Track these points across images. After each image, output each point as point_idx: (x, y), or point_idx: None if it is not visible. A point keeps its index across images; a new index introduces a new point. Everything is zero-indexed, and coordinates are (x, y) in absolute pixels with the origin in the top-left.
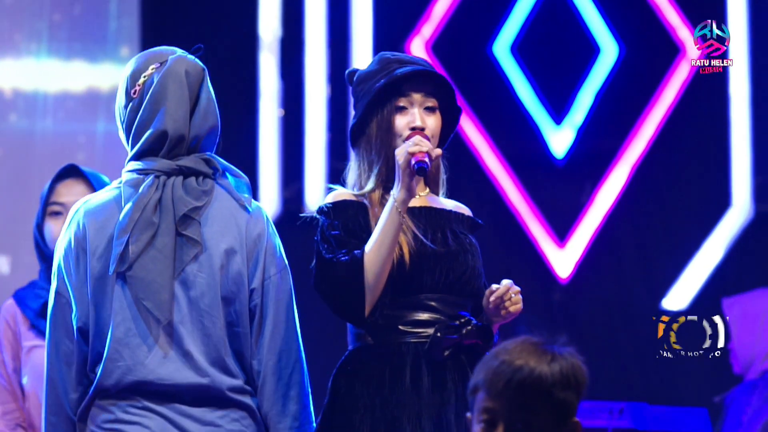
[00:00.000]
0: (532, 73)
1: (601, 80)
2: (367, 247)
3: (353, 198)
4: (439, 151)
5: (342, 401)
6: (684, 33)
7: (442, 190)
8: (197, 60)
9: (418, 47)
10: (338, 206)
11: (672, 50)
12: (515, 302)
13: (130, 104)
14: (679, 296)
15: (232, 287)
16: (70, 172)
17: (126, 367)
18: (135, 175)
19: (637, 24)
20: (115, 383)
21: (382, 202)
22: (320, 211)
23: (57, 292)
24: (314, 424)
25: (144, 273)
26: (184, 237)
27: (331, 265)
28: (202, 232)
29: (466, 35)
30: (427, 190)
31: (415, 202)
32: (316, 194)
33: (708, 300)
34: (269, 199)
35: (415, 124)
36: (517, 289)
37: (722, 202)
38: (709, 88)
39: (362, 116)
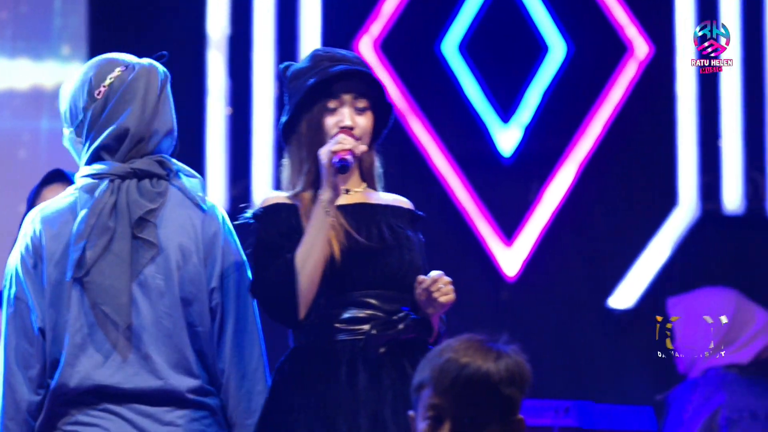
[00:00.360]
0: (480, 72)
1: (549, 79)
2: (298, 250)
3: (285, 201)
4: (363, 147)
5: (278, 401)
6: (632, 31)
7: (379, 185)
8: (161, 66)
9: (366, 46)
10: (270, 210)
11: (620, 49)
12: (445, 293)
13: (93, 104)
14: (625, 295)
15: (190, 288)
16: (56, 176)
17: (85, 373)
18: (90, 180)
19: (585, 23)
20: (74, 388)
21: (314, 203)
22: (253, 216)
23: (16, 297)
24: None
25: (101, 278)
26: (140, 240)
27: (265, 269)
28: (157, 233)
29: (414, 34)
30: (364, 185)
31: (350, 199)
32: (263, 192)
33: (654, 298)
34: (217, 198)
35: (344, 123)
36: (447, 279)
37: (669, 200)
38: (656, 87)
39: (293, 115)
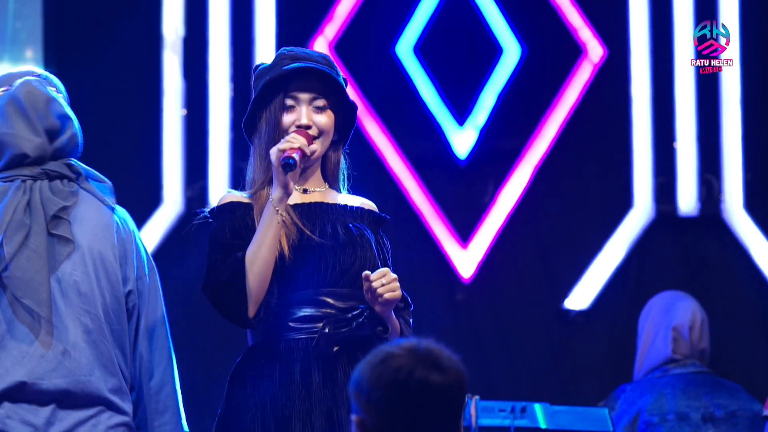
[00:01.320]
0: (435, 74)
1: (504, 81)
2: (248, 249)
3: (241, 200)
4: (315, 146)
5: (234, 402)
6: (586, 34)
7: (343, 186)
8: (49, 76)
9: (321, 47)
10: (225, 209)
11: (574, 51)
12: (390, 289)
13: None
14: (581, 296)
15: (107, 286)
16: None
17: (4, 370)
18: (2, 184)
19: (540, 25)
20: None
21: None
22: (210, 213)
23: None
24: (184, 423)
25: (21, 272)
26: (56, 237)
27: (216, 268)
28: (72, 231)
29: (369, 35)
30: (326, 185)
31: (306, 198)
32: (219, 193)
33: (610, 300)
34: (172, 199)
35: (300, 122)
36: (393, 276)
37: (624, 202)
38: (611, 89)
39: (251, 112)
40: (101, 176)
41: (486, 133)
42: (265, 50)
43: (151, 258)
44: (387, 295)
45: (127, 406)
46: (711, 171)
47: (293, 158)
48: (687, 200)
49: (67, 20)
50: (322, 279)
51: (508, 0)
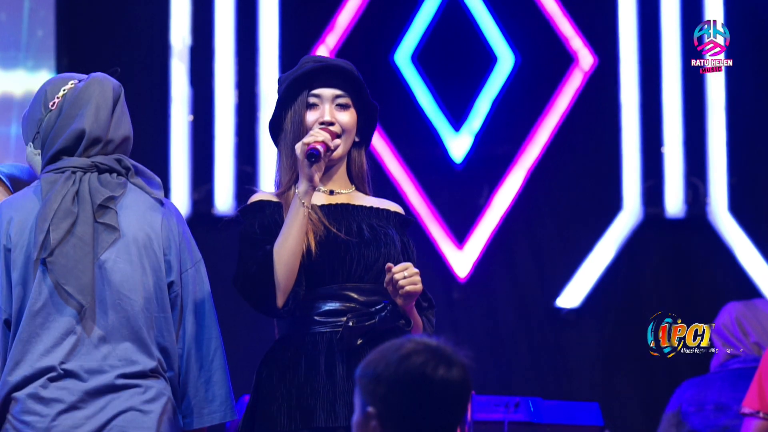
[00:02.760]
0: (432, 81)
1: (498, 88)
2: (276, 242)
3: (271, 199)
4: (338, 141)
5: (263, 392)
6: (577, 43)
7: (369, 188)
8: (114, 79)
9: (322, 55)
10: (254, 207)
11: (566, 59)
12: (411, 282)
13: (48, 115)
14: (572, 295)
15: (151, 274)
16: None
17: (44, 350)
18: (52, 174)
19: (532, 34)
20: (29, 366)
21: None
22: (240, 212)
23: None
24: (233, 411)
25: (65, 260)
26: (102, 224)
27: (245, 260)
28: (118, 220)
29: (368, 44)
30: (353, 188)
31: (333, 200)
32: (224, 196)
33: (600, 298)
34: (180, 201)
35: (324, 119)
36: (415, 270)
37: (613, 205)
38: (601, 96)
39: (276, 114)
40: (151, 172)
41: (481, 139)
42: (268, 59)
43: (198, 252)
44: (408, 288)
45: (166, 390)
46: (697, 175)
47: (317, 149)
48: (674, 203)
49: (80, 30)
50: (347, 274)
51: (502, 10)
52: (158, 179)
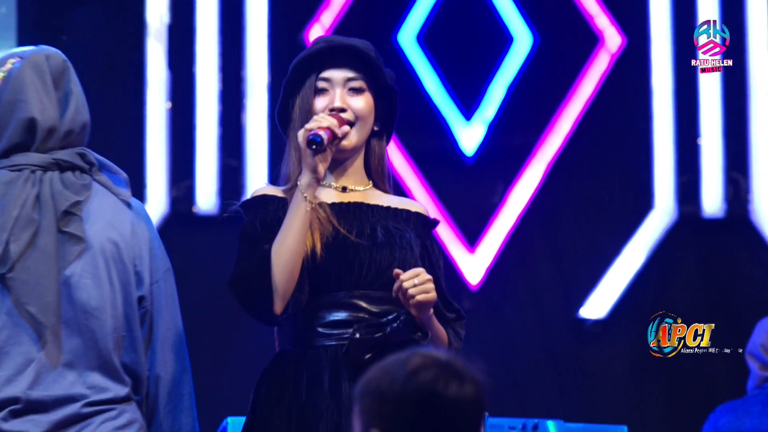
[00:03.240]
0: (440, 65)
1: (514, 72)
2: (275, 240)
3: (276, 193)
4: (346, 128)
5: (260, 412)
6: (603, 21)
7: (390, 186)
8: (59, 52)
9: (317, 35)
10: (257, 201)
11: (590, 40)
12: (423, 290)
13: None
14: (597, 304)
15: (119, 289)
16: None
17: (5, 378)
18: (8, 173)
19: (553, 11)
20: None
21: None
22: (242, 206)
23: None
24: None
25: (26, 275)
26: (66, 234)
27: (243, 261)
28: (84, 228)
29: (369, 23)
30: (369, 183)
31: (346, 197)
32: (206, 193)
33: (628, 308)
34: (156, 199)
35: (334, 105)
36: (427, 276)
37: (644, 203)
38: (630, 81)
39: (284, 101)
40: (115, 167)
41: (495, 129)
42: (256, 39)
43: (167, 258)
44: (419, 297)
45: (138, 415)
46: (738, 169)
47: (319, 135)
48: (712, 201)
49: (45, 7)
50: (356, 280)
51: None
52: (124, 174)
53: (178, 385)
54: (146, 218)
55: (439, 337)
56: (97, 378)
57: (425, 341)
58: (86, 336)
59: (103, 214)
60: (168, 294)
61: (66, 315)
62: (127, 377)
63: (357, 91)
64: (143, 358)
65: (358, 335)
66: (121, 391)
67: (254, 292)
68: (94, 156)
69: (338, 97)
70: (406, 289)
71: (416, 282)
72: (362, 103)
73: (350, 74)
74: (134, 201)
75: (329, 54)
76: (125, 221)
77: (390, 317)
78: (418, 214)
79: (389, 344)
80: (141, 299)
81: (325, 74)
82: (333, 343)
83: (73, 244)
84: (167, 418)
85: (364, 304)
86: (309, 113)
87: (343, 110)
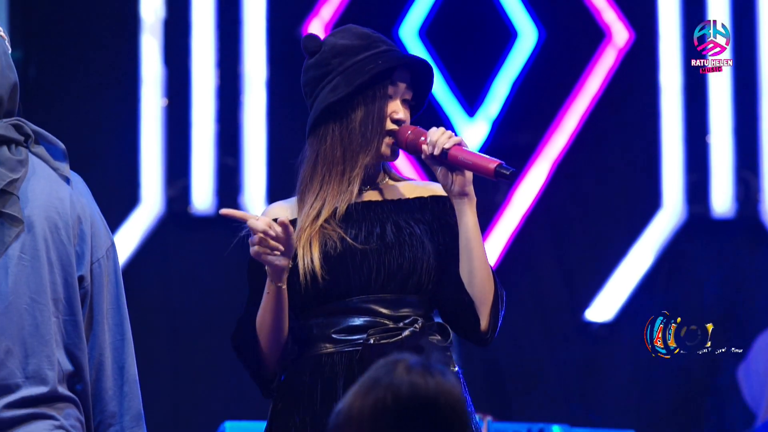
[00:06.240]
0: (443, 60)
1: (519, 68)
2: (258, 311)
3: (284, 213)
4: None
5: (277, 421)
6: (610, 15)
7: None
8: None
9: (316, 30)
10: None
11: (597, 35)
12: (448, 137)
13: None
14: (604, 306)
15: (59, 272)
16: None
17: None
18: None
19: (559, 5)
20: None
21: (329, 223)
22: (246, 235)
23: None
24: (144, 427)
25: None
26: (3, 216)
27: (240, 319)
28: (21, 208)
29: (369, 17)
30: (386, 178)
31: (362, 197)
32: (203, 193)
33: (636, 310)
34: (152, 198)
35: (398, 116)
36: (443, 129)
37: (652, 202)
38: (637, 77)
39: (346, 97)
40: (52, 137)
41: (499, 126)
42: (254, 33)
43: (110, 234)
44: (447, 145)
45: (75, 400)
46: (749, 168)
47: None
48: (722, 200)
49: (34, 1)
50: (366, 285)
51: None
52: (62, 145)
53: (121, 366)
54: (86, 193)
55: (481, 257)
56: (37, 367)
57: (446, 343)
58: (26, 322)
59: (41, 190)
60: (110, 272)
61: (5, 301)
62: (68, 364)
63: (407, 103)
64: (84, 342)
65: (372, 340)
66: (59, 388)
67: (247, 364)
68: (30, 127)
69: (401, 108)
70: (433, 149)
71: (439, 136)
72: (408, 117)
73: (408, 87)
74: (73, 175)
75: (407, 65)
76: (65, 198)
77: (407, 321)
78: (432, 198)
79: (404, 349)
80: (81, 280)
81: (395, 83)
82: (348, 349)
83: (11, 225)
84: (112, 402)
85: (378, 308)
86: (382, 119)
87: (403, 122)
